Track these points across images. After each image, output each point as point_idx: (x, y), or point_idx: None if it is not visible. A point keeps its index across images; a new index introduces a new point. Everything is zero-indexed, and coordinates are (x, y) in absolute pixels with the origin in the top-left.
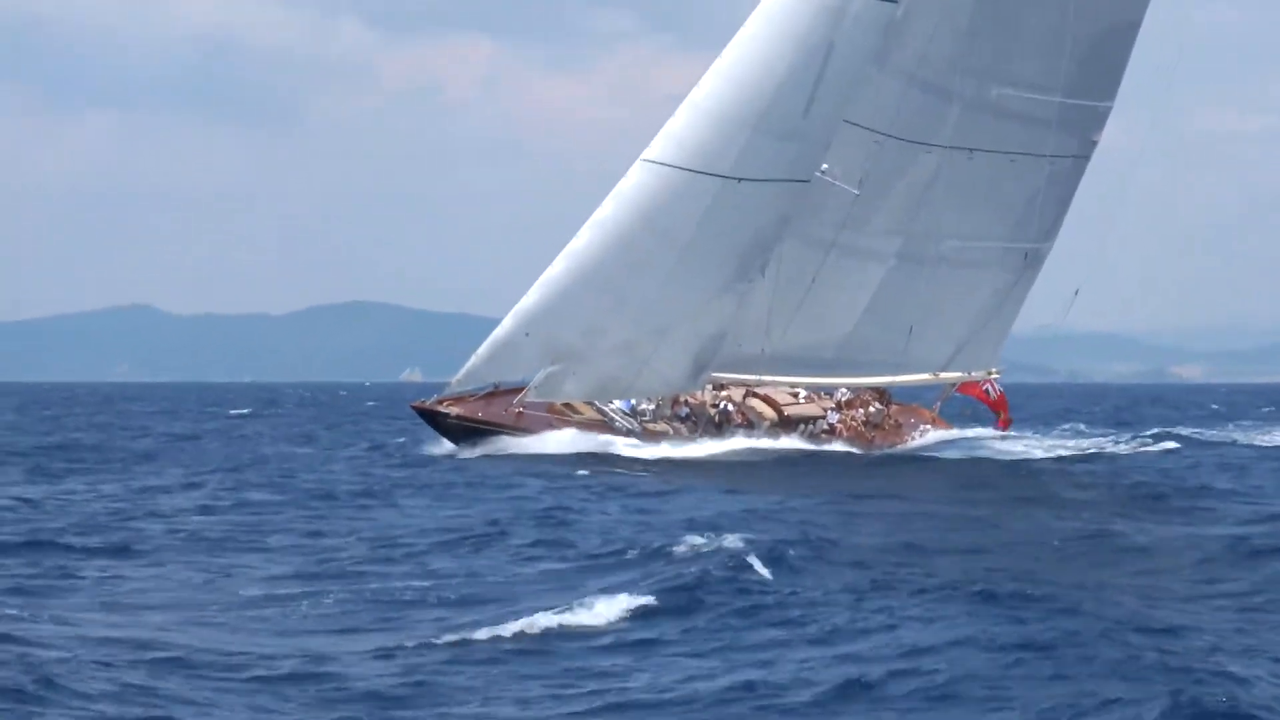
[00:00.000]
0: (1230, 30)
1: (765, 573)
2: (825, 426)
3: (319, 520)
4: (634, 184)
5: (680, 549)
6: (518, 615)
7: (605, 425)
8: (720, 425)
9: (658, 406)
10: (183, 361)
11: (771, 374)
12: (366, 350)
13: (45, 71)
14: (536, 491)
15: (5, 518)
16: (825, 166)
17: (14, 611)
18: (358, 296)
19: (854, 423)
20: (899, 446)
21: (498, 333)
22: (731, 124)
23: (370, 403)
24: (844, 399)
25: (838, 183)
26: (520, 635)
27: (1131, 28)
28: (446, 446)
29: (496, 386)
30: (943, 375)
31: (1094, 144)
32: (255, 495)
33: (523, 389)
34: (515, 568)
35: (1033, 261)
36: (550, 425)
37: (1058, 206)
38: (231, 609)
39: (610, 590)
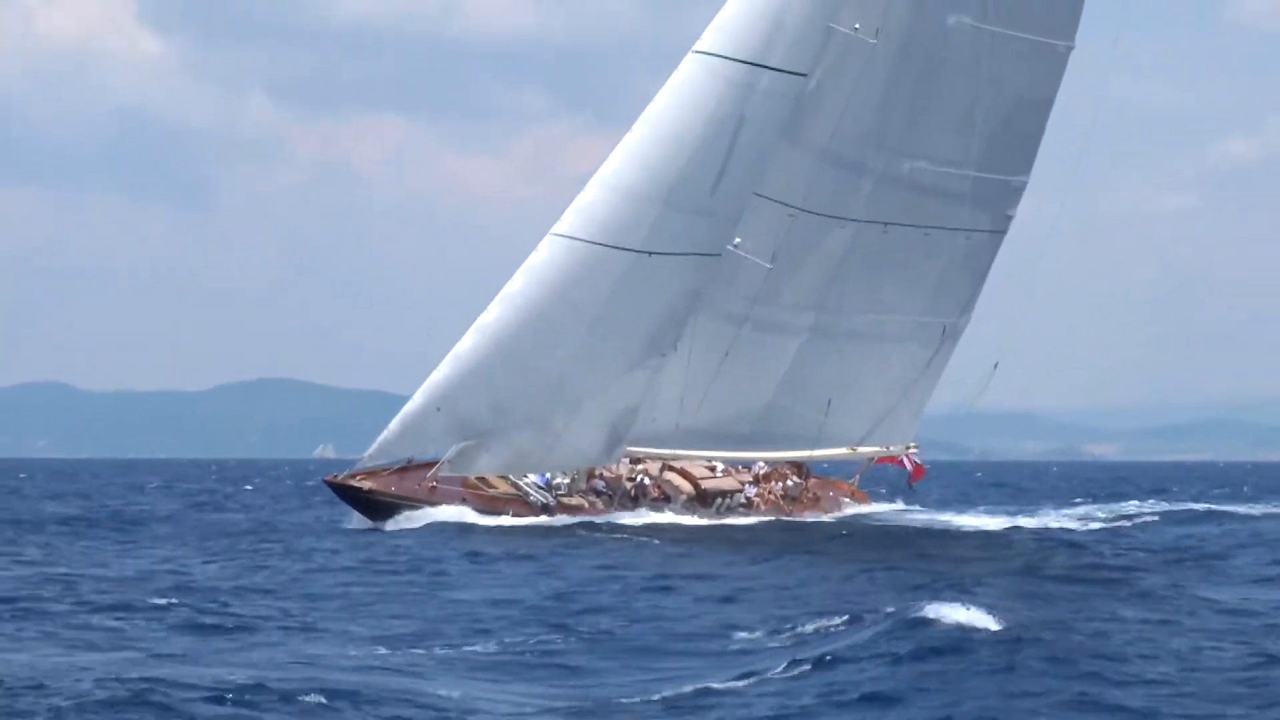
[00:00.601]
0: (1143, 108)
1: None
2: (743, 500)
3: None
4: (544, 258)
5: None
6: None
7: (519, 499)
8: (636, 499)
9: (573, 480)
10: (100, 437)
11: (687, 448)
12: (280, 426)
13: None
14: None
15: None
16: (738, 240)
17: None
18: (271, 373)
19: (772, 496)
20: (816, 519)
21: (409, 407)
22: (641, 199)
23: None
24: (762, 472)
25: (750, 256)
26: None
27: (1044, 104)
28: (360, 522)
29: (410, 461)
30: (860, 449)
31: (1009, 218)
32: None
33: (436, 463)
34: None
35: (949, 336)
36: (464, 499)
37: (973, 281)
38: None
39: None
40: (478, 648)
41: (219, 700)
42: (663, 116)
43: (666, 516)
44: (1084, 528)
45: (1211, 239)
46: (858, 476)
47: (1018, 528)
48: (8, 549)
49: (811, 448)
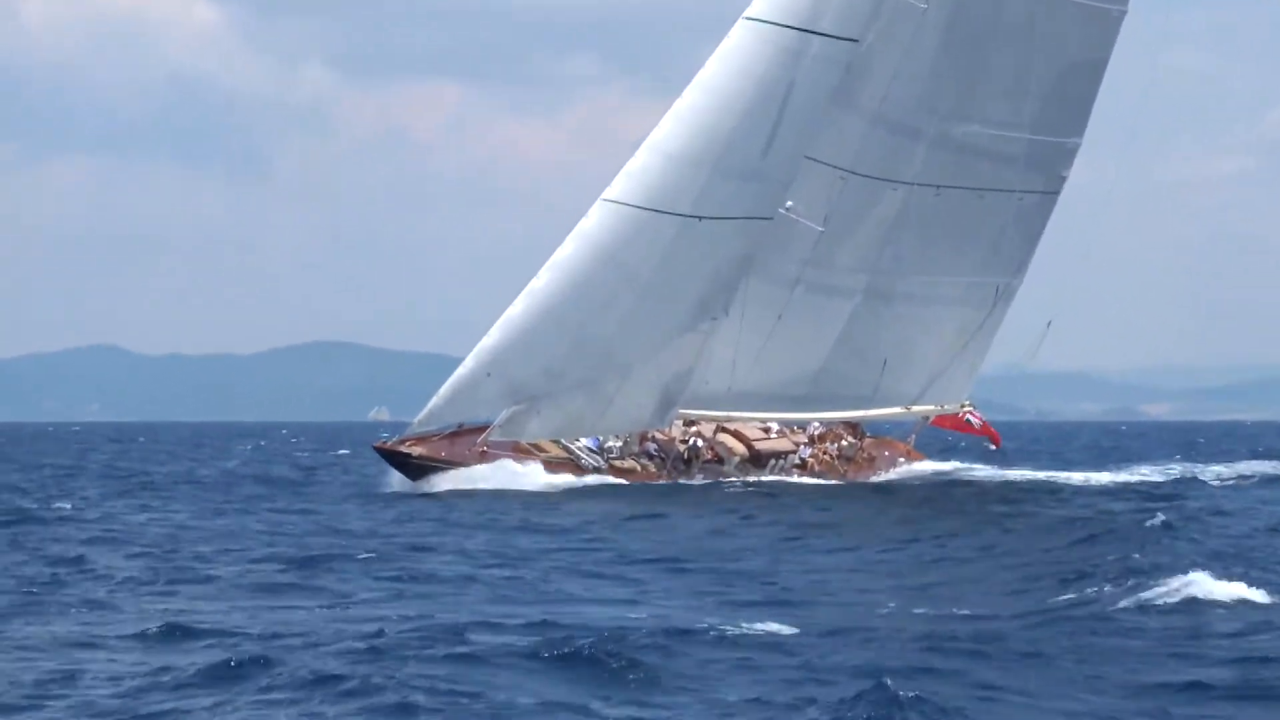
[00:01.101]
0: (1197, 73)
1: None
2: (797, 461)
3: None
4: (594, 224)
5: None
6: None
7: (571, 463)
8: (689, 461)
9: (625, 443)
10: (151, 401)
11: (740, 410)
12: (333, 390)
13: (19, 116)
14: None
15: None
16: (789, 204)
17: None
18: (324, 336)
19: (826, 457)
20: (872, 479)
21: (459, 373)
22: (691, 164)
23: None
24: (816, 433)
25: (802, 220)
26: None
27: (1097, 65)
28: (405, 484)
29: (460, 426)
30: (914, 408)
31: (1062, 179)
32: None
33: (487, 428)
34: None
35: (1002, 297)
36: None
37: (1026, 242)
38: None
39: None
40: None
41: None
42: (713, 83)
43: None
44: None
45: (1266, 203)
46: (913, 436)
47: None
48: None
49: (865, 408)
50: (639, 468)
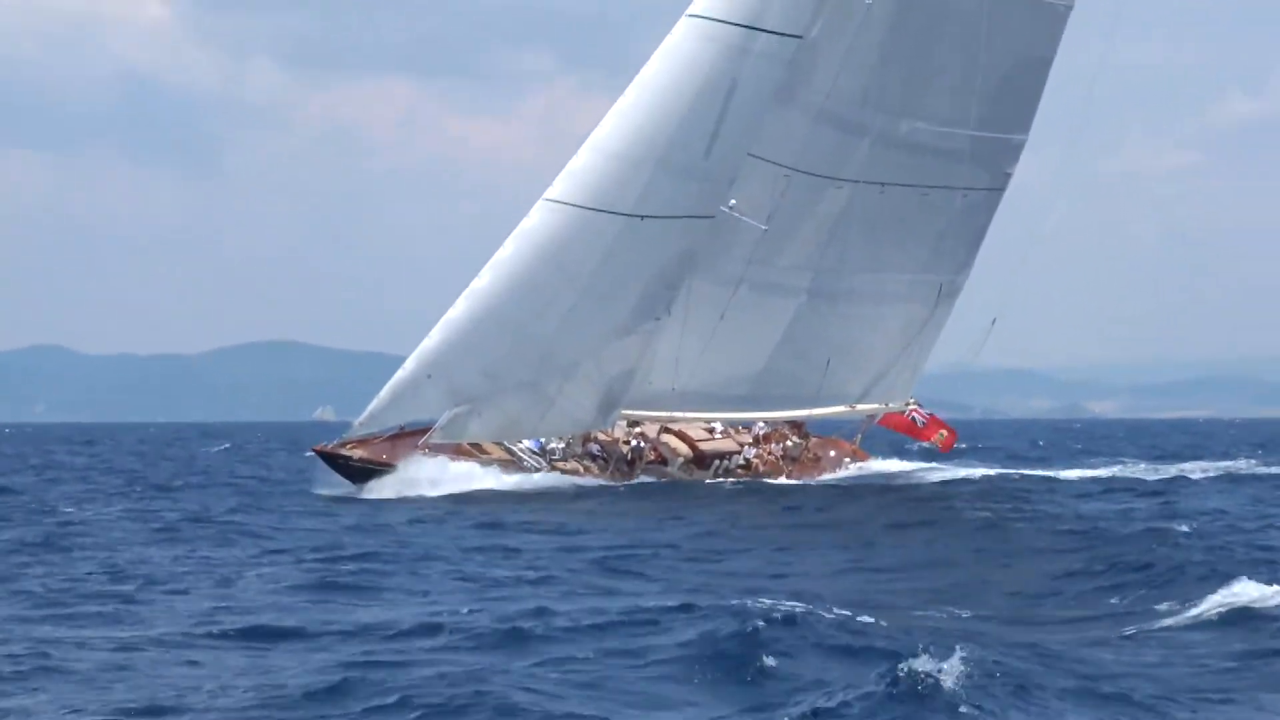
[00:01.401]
0: (1143, 68)
1: None
2: (741, 461)
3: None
4: (535, 223)
5: None
6: None
7: (513, 464)
8: (632, 463)
9: (568, 445)
10: (99, 402)
11: (683, 410)
12: (281, 389)
13: None
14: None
15: None
16: (733, 202)
17: None
18: (272, 336)
19: (772, 457)
20: (818, 479)
21: (400, 375)
22: (634, 162)
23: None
24: (761, 433)
25: (745, 218)
26: None
27: (1043, 62)
28: (342, 487)
29: (402, 428)
30: (859, 407)
31: (1007, 176)
32: None
33: (428, 430)
34: None
35: (947, 294)
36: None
37: (971, 240)
38: None
39: None
40: None
41: None
42: (656, 80)
43: (663, 480)
44: None
45: (1213, 197)
46: (859, 435)
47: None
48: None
49: (809, 407)
50: (582, 469)
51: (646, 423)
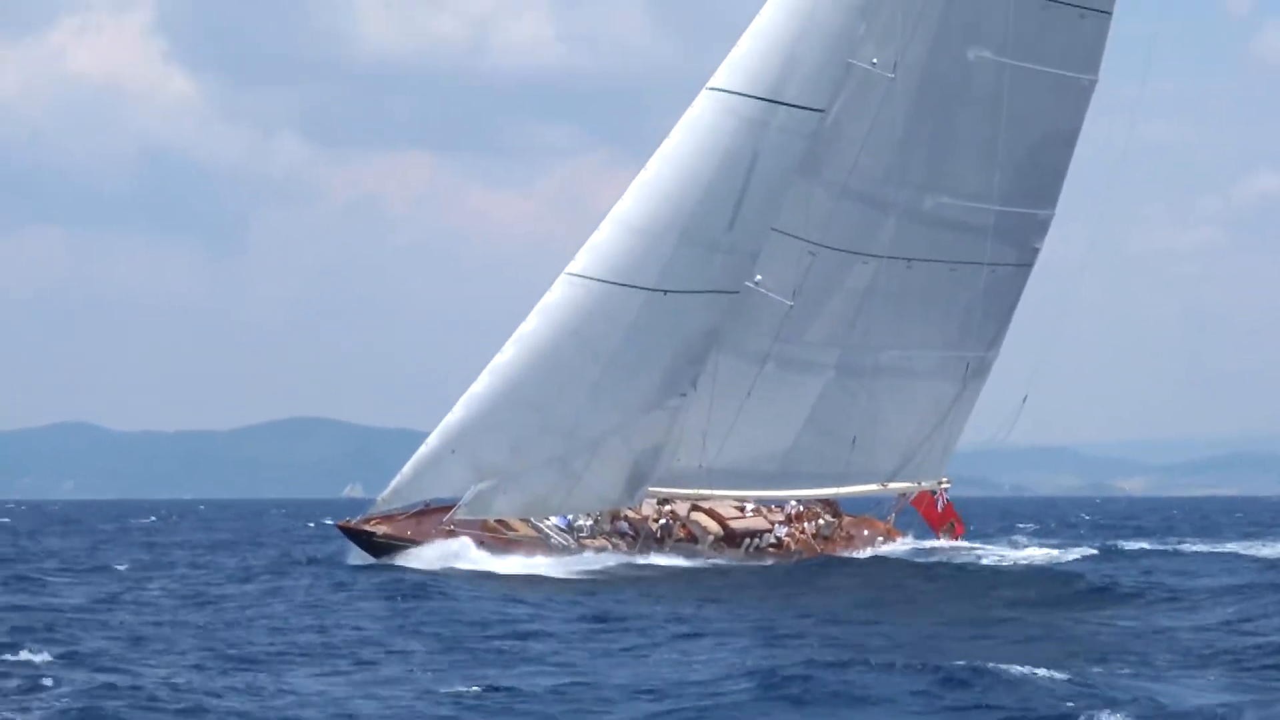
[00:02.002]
0: (1167, 145)
1: None
2: (772, 540)
3: None
4: (558, 298)
5: None
6: None
7: (540, 542)
8: (661, 540)
9: (596, 522)
10: (126, 478)
11: (712, 488)
12: (309, 467)
13: None
14: None
15: None
16: (759, 278)
17: None
18: (300, 413)
19: (803, 536)
20: (856, 555)
21: (423, 450)
22: (656, 236)
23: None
24: (794, 512)
25: (771, 294)
26: None
27: (1068, 137)
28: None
29: (427, 505)
30: (891, 485)
31: (1035, 251)
32: None
33: (453, 507)
34: None
35: (977, 371)
36: (483, 543)
37: (1000, 316)
38: None
39: None
40: None
41: None
42: (676, 153)
43: (694, 559)
44: None
45: (1236, 275)
46: (893, 514)
47: None
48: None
49: (839, 485)
50: (610, 546)
51: (677, 501)
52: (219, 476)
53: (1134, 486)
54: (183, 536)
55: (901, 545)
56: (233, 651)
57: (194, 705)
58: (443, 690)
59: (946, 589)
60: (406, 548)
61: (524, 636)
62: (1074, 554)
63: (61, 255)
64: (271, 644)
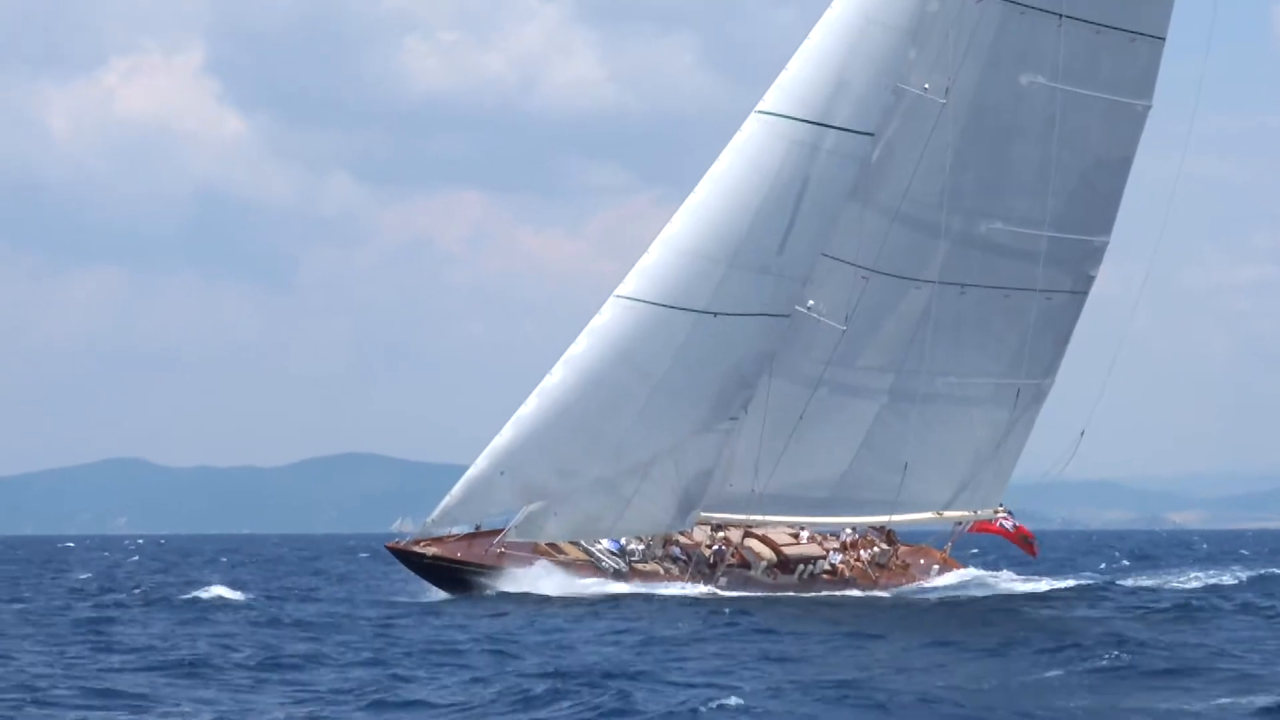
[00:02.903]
0: (1220, 183)
1: None
2: (826, 568)
3: None
4: (607, 320)
5: None
6: None
7: (591, 566)
8: (714, 566)
9: (648, 546)
10: (179, 514)
11: (763, 514)
12: (359, 502)
13: (44, 226)
14: None
15: None
16: (811, 303)
17: None
18: (350, 449)
19: (859, 564)
20: (906, 587)
21: (471, 472)
22: (706, 259)
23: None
24: (849, 540)
25: (823, 319)
26: None
27: (1122, 163)
28: (424, 588)
29: (478, 527)
30: (946, 514)
31: (1090, 279)
32: None
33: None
34: None
35: (1033, 399)
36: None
37: (1056, 342)
38: None
39: None
40: None
41: None
42: (726, 177)
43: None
44: None
45: None
46: (950, 544)
47: None
48: None
49: (893, 512)
50: (662, 571)
51: (731, 528)
52: (271, 512)
53: (1186, 519)
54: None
55: (960, 575)
56: None
57: None
58: None
59: None
60: (475, 574)
61: None
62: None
63: (114, 295)
64: None
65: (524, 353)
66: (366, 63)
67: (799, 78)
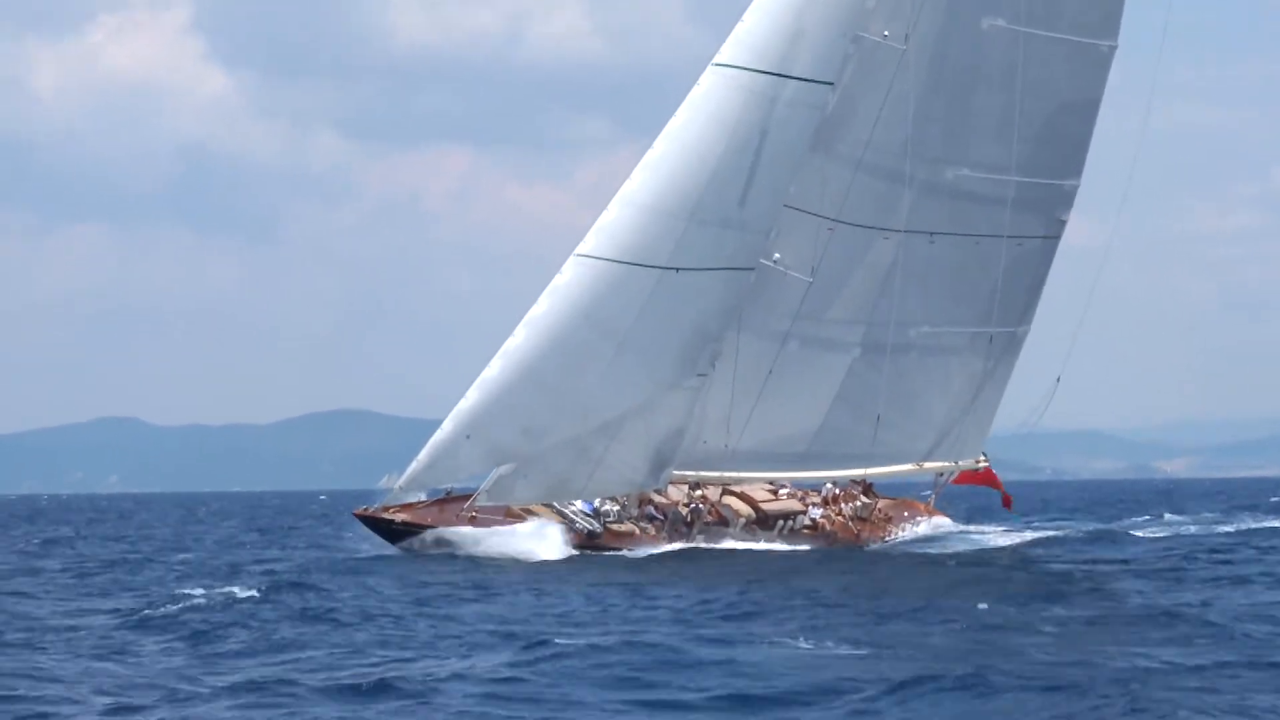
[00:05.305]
0: (1206, 131)
1: None
2: (807, 523)
3: None
4: (568, 279)
5: None
6: None
7: (565, 528)
8: (690, 524)
9: (623, 507)
10: (171, 472)
11: (739, 470)
12: (351, 458)
13: (32, 186)
14: None
15: None
16: (777, 256)
17: None
18: (342, 405)
19: (840, 518)
20: (888, 540)
21: (438, 436)
22: (666, 214)
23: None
24: (831, 494)
25: (790, 272)
26: None
27: (1089, 106)
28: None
29: (449, 492)
30: (927, 465)
31: (1062, 223)
32: None
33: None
34: None
35: (1009, 347)
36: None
37: (1029, 290)
38: None
39: None
40: None
41: None
42: (683, 131)
43: (725, 543)
44: None
45: (1275, 259)
46: (934, 495)
47: None
48: None
49: (871, 465)
50: (637, 531)
51: (710, 485)
52: (262, 469)
53: (1175, 468)
54: None
55: (944, 526)
56: None
57: None
58: None
59: None
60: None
61: None
62: None
63: (102, 253)
64: None
65: (513, 305)
66: (350, 17)
67: (755, 29)
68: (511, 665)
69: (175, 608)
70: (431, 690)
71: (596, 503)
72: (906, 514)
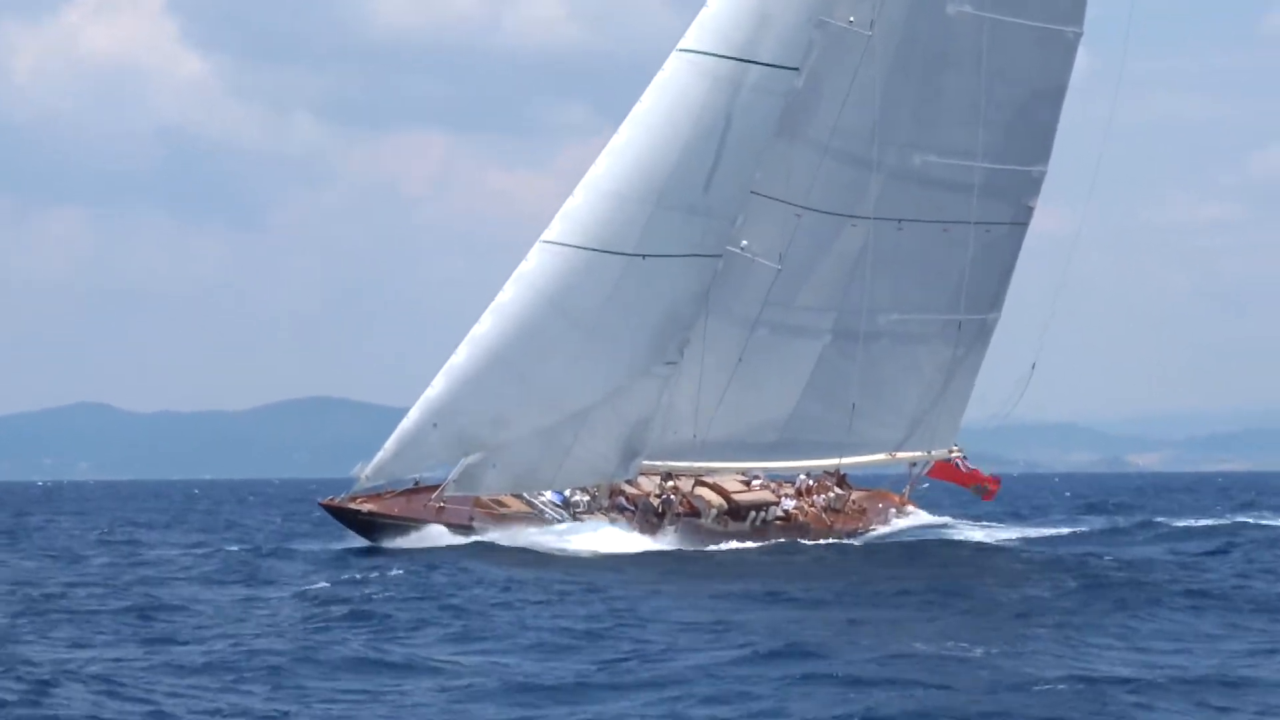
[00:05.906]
0: (1183, 122)
1: None
2: (779, 514)
3: None
4: (534, 266)
5: None
6: None
7: (535, 518)
8: (661, 515)
9: (593, 498)
10: (142, 459)
11: (709, 460)
12: (326, 446)
13: (9, 169)
14: None
15: None
16: (745, 243)
17: None
18: (315, 392)
19: (813, 509)
20: (862, 533)
21: (404, 425)
22: (632, 201)
23: None
24: (804, 486)
25: (758, 258)
26: None
27: (1056, 93)
28: (357, 542)
29: (418, 482)
30: (899, 455)
31: (1030, 210)
32: None
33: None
34: None
35: (979, 334)
36: (473, 519)
37: (998, 277)
38: None
39: None
40: None
41: None
42: (648, 116)
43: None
44: None
45: (1253, 250)
46: (909, 487)
47: None
48: None
49: (843, 454)
50: (609, 522)
51: (682, 476)
52: (236, 457)
53: (1148, 462)
54: None
55: (919, 519)
56: None
57: None
58: None
59: None
60: (404, 528)
61: None
62: None
63: (79, 237)
64: None
65: (493, 291)
66: (332, 1)
67: (720, 14)
68: None
69: None
70: None
71: (566, 493)
72: (880, 506)
